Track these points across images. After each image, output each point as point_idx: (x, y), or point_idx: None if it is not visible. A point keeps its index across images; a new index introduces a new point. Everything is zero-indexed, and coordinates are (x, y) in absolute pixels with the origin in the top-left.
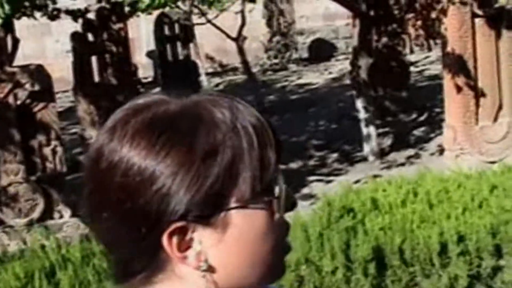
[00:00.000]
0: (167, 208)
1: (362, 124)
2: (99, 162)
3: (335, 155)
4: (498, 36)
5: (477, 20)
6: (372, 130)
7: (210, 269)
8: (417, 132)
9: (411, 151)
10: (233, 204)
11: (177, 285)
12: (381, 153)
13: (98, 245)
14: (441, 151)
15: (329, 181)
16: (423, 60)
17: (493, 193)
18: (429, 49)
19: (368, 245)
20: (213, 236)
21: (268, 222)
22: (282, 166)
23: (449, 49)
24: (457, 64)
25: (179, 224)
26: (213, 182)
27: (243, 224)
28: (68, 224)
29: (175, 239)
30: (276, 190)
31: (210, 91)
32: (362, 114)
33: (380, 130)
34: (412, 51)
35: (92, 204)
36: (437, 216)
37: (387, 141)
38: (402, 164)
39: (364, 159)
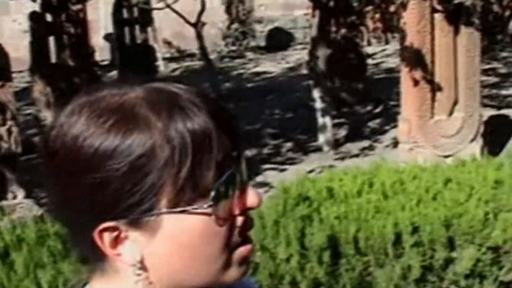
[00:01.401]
0: (100, 206)
1: (318, 114)
2: (54, 144)
3: (289, 144)
4: (456, 31)
5: (436, 15)
6: (327, 120)
7: (145, 268)
8: (372, 124)
9: (365, 143)
10: (164, 209)
11: (114, 280)
12: (336, 144)
13: (53, 226)
14: (396, 143)
15: (283, 170)
16: (380, 53)
17: (447, 186)
18: (387, 42)
19: (323, 234)
20: (145, 237)
21: (208, 226)
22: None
23: (407, 43)
24: (414, 58)
25: (109, 223)
26: (143, 186)
27: (176, 228)
28: (21, 205)
29: (107, 237)
30: (212, 194)
31: (167, 81)
32: (318, 104)
33: (336, 121)
34: (369, 44)
35: (47, 185)
36: (392, 207)
37: (342, 132)
38: (356, 155)
39: (319, 149)
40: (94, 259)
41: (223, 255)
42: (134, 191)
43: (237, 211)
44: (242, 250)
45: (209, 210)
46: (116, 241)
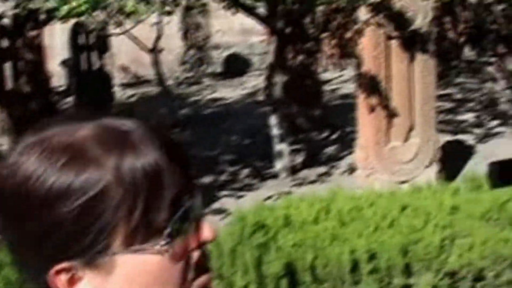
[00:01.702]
0: (53, 248)
1: (275, 141)
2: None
3: (246, 170)
4: (412, 58)
5: (392, 42)
6: (284, 147)
7: None
8: (329, 150)
9: (322, 169)
10: (118, 249)
11: None
12: (293, 170)
13: (8, 256)
14: (352, 170)
15: (240, 196)
16: (337, 79)
17: (404, 212)
18: (343, 68)
19: (280, 261)
20: (101, 277)
21: (163, 264)
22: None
23: (363, 69)
24: (370, 85)
25: (64, 264)
26: (96, 227)
27: (131, 268)
28: None
29: (62, 277)
30: (167, 232)
31: (117, 117)
32: (275, 131)
33: (293, 147)
34: (326, 70)
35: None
36: (348, 234)
37: (299, 158)
38: (313, 182)
39: (276, 175)
40: None
41: None
42: (87, 232)
43: (192, 246)
44: (200, 282)
45: (164, 248)
46: (72, 281)
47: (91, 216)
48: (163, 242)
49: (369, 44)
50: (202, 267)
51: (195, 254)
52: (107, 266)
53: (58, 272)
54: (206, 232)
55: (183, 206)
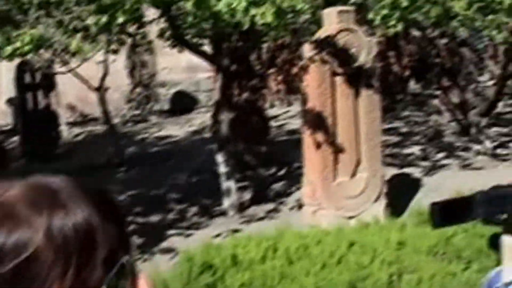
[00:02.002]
0: None
1: (222, 178)
2: None
3: (195, 208)
4: (357, 94)
5: (336, 78)
6: (232, 184)
7: None
8: (277, 186)
9: (270, 206)
10: None
11: None
12: (241, 207)
13: None
14: (300, 206)
15: (188, 235)
16: (283, 115)
17: (351, 249)
18: (289, 104)
19: None
20: None
21: None
22: (141, 220)
23: (309, 105)
24: (316, 121)
25: None
26: (28, 285)
27: None
28: None
29: None
30: None
31: (47, 176)
32: (222, 168)
33: (240, 184)
34: (272, 105)
35: None
36: (296, 272)
37: (247, 195)
38: (262, 219)
39: (224, 213)
40: None
41: None
42: None
43: None
44: None
45: None
46: None
47: (25, 278)
48: None
49: (314, 80)
50: None
51: None
52: None
53: None
54: (143, 285)
55: (117, 263)
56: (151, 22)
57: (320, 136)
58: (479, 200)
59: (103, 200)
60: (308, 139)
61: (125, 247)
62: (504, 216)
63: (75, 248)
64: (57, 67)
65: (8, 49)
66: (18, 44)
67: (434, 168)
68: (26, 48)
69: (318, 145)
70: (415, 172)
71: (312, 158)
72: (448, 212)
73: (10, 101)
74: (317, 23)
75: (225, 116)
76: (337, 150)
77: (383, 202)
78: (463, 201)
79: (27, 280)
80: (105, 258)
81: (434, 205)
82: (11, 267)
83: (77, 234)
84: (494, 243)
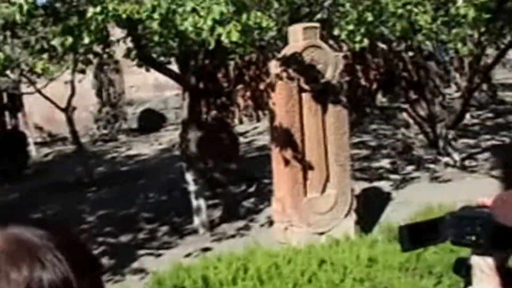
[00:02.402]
0: None
1: (192, 196)
2: None
3: (165, 227)
4: (324, 110)
5: (304, 94)
6: (201, 202)
7: None
8: (247, 203)
9: (241, 223)
10: None
11: None
12: (211, 225)
13: None
14: (271, 222)
15: (159, 255)
16: (252, 131)
17: (322, 267)
18: (258, 120)
19: None
20: None
21: None
22: (112, 240)
23: (276, 123)
24: (284, 138)
25: None
26: None
27: None
28: None
29: None
30: None
31: (27, 227)
32: (192, 187)
33: (210, 202)
34: (241, 122)
35: None
36: None
37: (217, 213)
38: (233, 236)
39: (195, 231)
40: None
41: None
42: None
43: None
44: None
45: None
46: None
47: None
48: None
49: (281, 97)
50: None
51: None
52: None
53: None
54: None
55: None
56: (117, 41)
57: (288, 153)
58: (448, 222)
59: (79, 254)
60: (277, 155)
61: None
62: (473, 238)
63: None
64: (24, 88)
65: None
66: None
67: (404, 181)
68: None
69: (287, 162)
70: (385, 186)
71: (282, 175)
72: (417, 235)
73: None
74: (284, 39)
75: (193, 134)
76: (306, 166)
77: (353, 217)
78: (432, 223)
79: None
80: None
81: (402, 228)
82: None
83: None
84: (459, 268)
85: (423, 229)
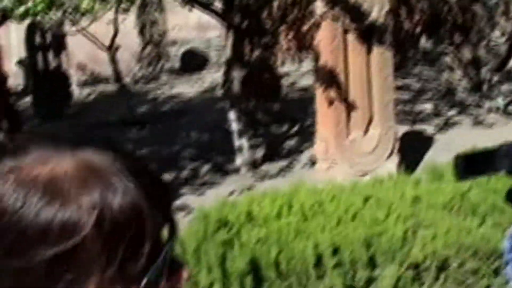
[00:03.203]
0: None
1: (234, 136)
2: None
3: (207, 166)
4: (369, 50)
5: (349, 35)
6: (244, 141)
7: None
8: (289, 143)
9: (283, 163)
10: None
11: None
12: (253, 165)
13: None
14: (313, 163)
15: (202, 193)
16: (295, 72)
17: (366, 204)
18: (301, 61)
19: (244, 258)
20: None
21: None
22: None
23: (321, 62)
24: (329, 78)
25: None
26: (68, 276)
27: None
28: None
29: None
30: (144, 283)
31: (99, 149)
32: (235, 126)
33: (252, 142)
34: (283, 63)
35: None
36: (312, 228)
37: (259, 153)
38: (274, 176)
39: (237, 170)
40: None
41: None
42: (57, 281)
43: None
44: None
45: None
46: None
47: (65, 265)
48: None
49: (326, 37)
50: None
51: None
52: None
53: None
54: (182, 273)
55: (162, 251)
56: None
57: (332, 93)
58: (503, 152)
59: (153, 181)
60: (320, 96)
61: (171, 233)
62: None
63: (123, 237)
64: (68, 27)
65: (21, 9)
66: (30, 4)
67: (446, 125)
68: (39, 7)
69: (330, 102)
70: (427, 129)
71: (325, 115)
72: (472, 164)
73: (20, 62)
74: None
75: (237, 74)
76: (350, 107)
77: (395, 159)
78: (487, 153)
79: (68, 268)
80: (150, 249)
81: (458, 157)
82: (54, 251)
83: (127, 223)
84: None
85: (479, 159)
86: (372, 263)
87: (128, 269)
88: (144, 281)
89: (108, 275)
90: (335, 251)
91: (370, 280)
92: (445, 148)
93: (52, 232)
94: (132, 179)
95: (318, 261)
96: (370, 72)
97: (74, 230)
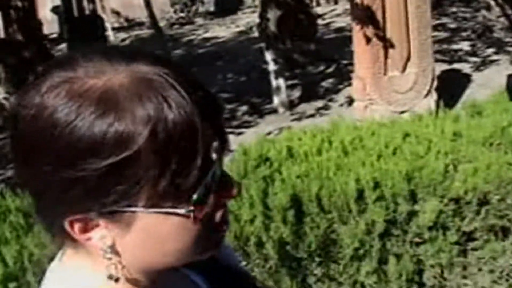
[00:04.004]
0: (71, 201)
1: (271, 76)
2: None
3: (245, 107)
4: None
5: None
6: (281, 82)
7: (116, 253)
8: (326, 83)
9: (320, 103)
10: (140, 208)
11: (86, 260)
12: (291, 105)
13: (14, 201)
14: (350, 102)
15: (240, 133)
16: (330, 13)
17: (406, 140)
18: (336, 2)
19: (286, 193)
20: (118, 228)
21: (186, 225)
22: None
23: (358, 0)
24: (365, 16)
25: (81, 216)
26: (121, 187)
27: (151, 226)
28: None
29: (77, 225)
30: (194, 198)
31: (153, 63)
32: (271, 66)
33: (289, 82)
34: (318, 4)
35: (16, 166)
36: (352, 163)
37: (296, 93)
38: (312, 116)
39: (274, 111)
40: (65, 238)
41: (200, 243)
42: (111, 192)
43: (216, 205)
44: (217, 237)
45: (188, 213)
46: (87, 227)
47: (118, 177)
48: (188, 208)
49: None
50: (221, 223)
51: (218, 214)
52: (126, 221)
53: (73, 222)
54: (229, 189)
55: (212, 167)
56: None
57: (369, 31)
58: None
59: (205, 96)
60: (357, 34)
61: (221, 147)
62: None
63: (176, 150)
64: None
65: None
66: None
67: (484, 63)
68: None
69: (367, 40)
70: (464, 68)
71: (362, 53)
72: None
73: (55, 9)
74: None
75: (273, 14)
76: (387, 44)
77: (433, 96)
78: None
79: (120, 178)
80: (201, 164)
81: (510, 76)
82: (107, 163)
83: (180, 135)
84: None
85: None
86: (413, 197)
87: (179, 184)
88: (195, 196)
89: (159, 189)
90: (376, 185)
91: (411, 214)
92: (483, 86)
93: (105, 144)
94: (186, 94)
95: (359, 195)
96: (407, 9)
97: (128, 142)
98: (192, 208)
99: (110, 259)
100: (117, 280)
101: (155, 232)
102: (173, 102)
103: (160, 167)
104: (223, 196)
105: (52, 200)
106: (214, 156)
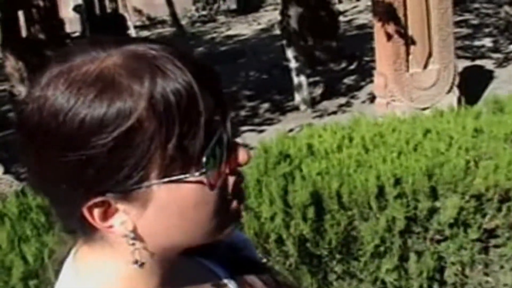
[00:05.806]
0: (86, 183)
1: (293, 74)
2: (39, 112)
3: (266, 105)
4: None
5: None
6: (303, 79)
7: (138, 237)
8: (348, 80)
9: (342, 100)
10: (153, 180)
11: (108, 251)
12: (313, 102)
13: (34, 199)
14: (372, 99)
15: (261, 131)
16: (352, 10)
17: (427, 136)
18: None
19: (306, 190)
20: (136, 208)
21: (200, 192)
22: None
23: None
24: (387, 12)
25: (98, 199)
26: (131, 160)
27: (168, 198)
28: (1, 181)
29: (96, 211)
30: (203, 161)
31: (142, 42)
32: (293, 64)
33: (311, 79)
34: (340, 1)
35: (26, 162)
36: (373, 160)
37: (318, 90)
38: (334, 113)
39: (296, 108)
40: (83, 232)
41: (218, 215)
42: (122, 166)
43: (227, 171)
44: (234, 205)
45: (200, 178)
46: (106, 214)
47: (125, 149)
48: (199, 172)
49: None
50: (237, 191)
51: (231, 179)
52: (143, 198)
53: (92, 207)
54: (240, 155)
55: (217, 131)
56: None
57: (391, 28)
58: None
59: (201, 67)
60: (378, 31)
61: (223, 114)
62: None
63: (177, 116)
64: None
65: None
66: None
67: (507, 59)
68: None
69: (389, 37)
70: (487, 64)
71: (384, 50)
72: None
73: (77, 8)
74: None
75: (294, 11)
76: (409, 41)
77: (455, 93)
78: None
79: (129, 150)
80: (205, 127)
81: None
82: (112, 138)
83: (179, 101)
84: None
85: None
86: (434, 194)
87: (187, 148)
88: (204, 159)
89: (168, 155)
90: (397, 181)
91: (432, 211)
92: (506, 82)
93: (107, 121)
94: (180, 64)
95: (380, 192)
96: (429, 5)
97: (129, 113)
98: (204, 170)
99: (133, 244)
100: (141, 265)
101: (172, 207)
102: (168, 71)
103: (165, 131)
104: (235, 163)
105: (68, 187)
106: (217, 118)
